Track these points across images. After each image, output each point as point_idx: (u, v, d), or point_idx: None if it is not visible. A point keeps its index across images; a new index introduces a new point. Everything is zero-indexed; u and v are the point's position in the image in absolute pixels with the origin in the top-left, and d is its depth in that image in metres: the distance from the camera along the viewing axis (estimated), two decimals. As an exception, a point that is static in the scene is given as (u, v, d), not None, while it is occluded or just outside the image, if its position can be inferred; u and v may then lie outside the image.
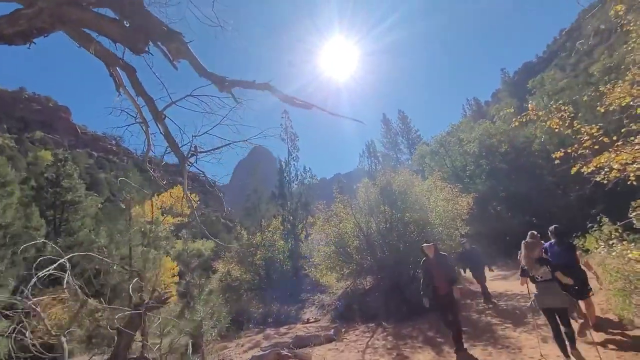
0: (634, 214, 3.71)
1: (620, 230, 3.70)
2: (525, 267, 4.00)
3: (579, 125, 4.44)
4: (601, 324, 4.38)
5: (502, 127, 18.22)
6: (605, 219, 3.98)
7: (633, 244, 3.43)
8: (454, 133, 21.28)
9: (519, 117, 4.86)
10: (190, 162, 5.44)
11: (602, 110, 4.44)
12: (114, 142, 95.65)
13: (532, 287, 4.05)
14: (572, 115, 4.48)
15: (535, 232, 5.76)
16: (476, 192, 17.43)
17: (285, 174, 17.40)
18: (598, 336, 4.06)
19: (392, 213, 10.35)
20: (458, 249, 9.92)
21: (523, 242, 4.15)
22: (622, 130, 4.24)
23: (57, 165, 22.84)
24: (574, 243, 4.86)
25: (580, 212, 14.38)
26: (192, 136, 5.74)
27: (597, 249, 3.84)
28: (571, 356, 3.52)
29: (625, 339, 3.77)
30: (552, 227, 4.92)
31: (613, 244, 3.55)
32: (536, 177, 16.61)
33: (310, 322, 9.26)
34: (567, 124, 4.43)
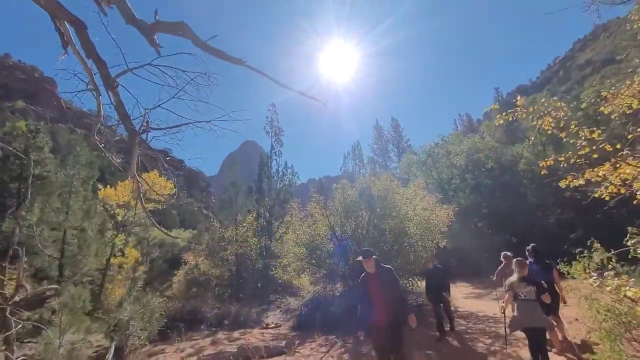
0: (632, 241, 3.21)
1: (614, 260, 3.19)
2: (512, 284, 3.94)
3: (577, 128, 3.90)
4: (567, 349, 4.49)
5: (490, 143, 18.01)
6: (597, 244, 3.47)
7: (633, 280, 2.90)
8: (443, 145, 21.00)
9: (504, 113, 4.30)
10: (141, 138, 4.90)
11: (606, 112, 3.90)
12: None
13: (510, 309, 4.11)
14: (568, 117, 3.95)
15: (509, 253, 5.90)
16: (459, 206, 17.11)
17: (265, 169, 16.64)
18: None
19: (370, 218, 9.78)
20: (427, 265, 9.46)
21: (515, 259, 4.12)
22: (629, 137, 3.71)
23: (27, 136, 21.42)
24: (550, 263, 4.87)
25: (560, 236, 14.18)
26: (145, 110, 5.05)
27: (586, 278, 3.31)
28: None
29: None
30: (529, 247, 5.06)
31: (607, 275, 3.03)
32: (519, 196, 16.41)
33: (269, 328, 8.56)
34: (561, 125, 3.90)
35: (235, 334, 7.78)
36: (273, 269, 11.32)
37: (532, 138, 18.21)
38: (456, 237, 15.94)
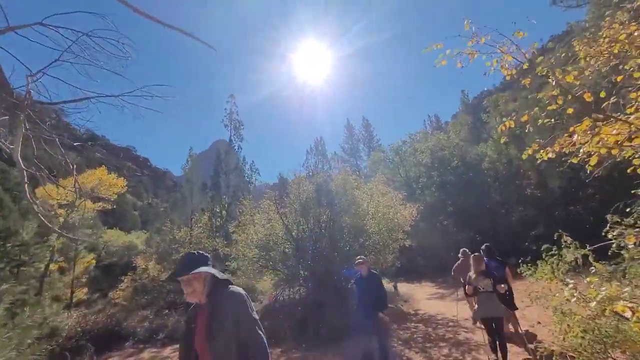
0: (612, 232, 2.63)
1: (593, 258, 2.59)
2: (471, 278, 4.21)
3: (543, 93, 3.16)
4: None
5: (454, 141, 17.97)
6: (568, 238, 2.86)
7: (627, 290, 2.25)
8: (411, 143, 20.80)
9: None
10: (27, 112, 4.01)
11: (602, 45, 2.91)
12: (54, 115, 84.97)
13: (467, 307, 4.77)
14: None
15: (467, 250, 6.36)
16: (425, 204, 16.85)
17: (222, 164, 15.38)
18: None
19: (328, 215, 9.01)
20: (359, 268, 8.81)
21: (472, 255, 4.43)
22: (617, 79, 3.01)
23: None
24: (503, 260, 5.28)
25: (522, 234, 14.24)
26: (27, 77, 4.04)
27: (555, 283, 2.67)
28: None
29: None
30: (484, 246, 5.39)
31: (590, 281, 2.38)
32: (484, 194, 16.42)
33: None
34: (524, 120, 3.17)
35: (167, 351, 6.67)
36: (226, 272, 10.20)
37: (495, 137, 18.44)
38: (422, 235, 15.65)
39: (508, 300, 4.65)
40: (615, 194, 13.60)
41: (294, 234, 9.16)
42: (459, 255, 6.55)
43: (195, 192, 15.29)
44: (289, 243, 9.29)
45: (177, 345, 7.21)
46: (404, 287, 12.93)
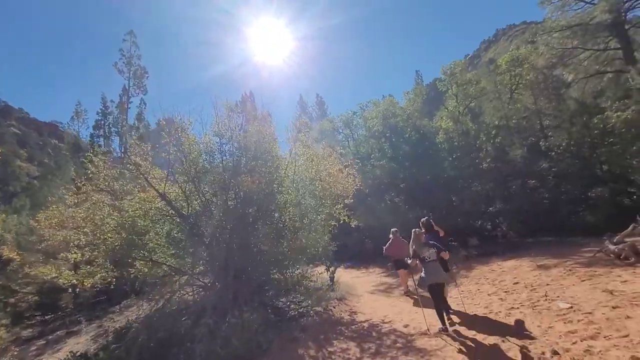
0: None
1: None
2: (416, 251, 4.50)
3: None
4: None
5: (407, 108, 16.03)
6: None
7: None
8: (361, 113, 18.48)
9: None
10: None
11: None
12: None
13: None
14: None
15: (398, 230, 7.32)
16: (374, 178, 14.72)
17: (108, 118, 11.44)
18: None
19: (227, 180, 6.11)
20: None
21: (413, 230, 4.93)
22: None
23: None
24: (438, 231, 5.76)
25: (477, 211, 12.78)
26: None
27: None
28: (447, 324, 4.17)
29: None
30: (424, 219, 6.11)
31: None
32: (438, 169, 14.69)
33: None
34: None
35: None
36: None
37: (451, 108, 16.84)
38: (370, 214, 13.53)
39: (445, 266, 4.90)
40: (572, 169, 12.72)
41: (182, 207, 6.15)
42: (390, 235, 7.16)
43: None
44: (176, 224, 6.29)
45: None
46: (346, 275, 10.68)
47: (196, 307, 5.78)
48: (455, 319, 4.30)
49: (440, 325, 4.19)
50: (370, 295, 7.17)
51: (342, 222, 8.08)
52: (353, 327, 4.90)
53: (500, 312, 4.23)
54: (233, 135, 6.33)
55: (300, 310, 5.72)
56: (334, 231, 8.61)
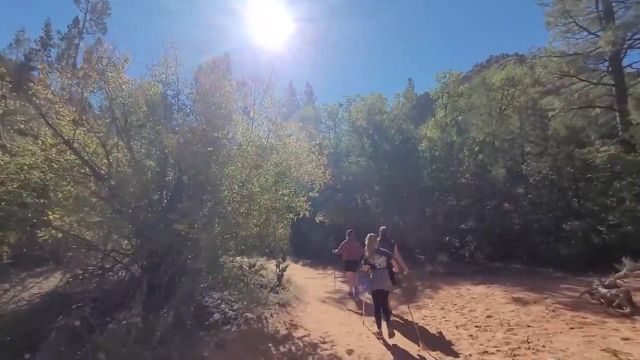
0: None
1: None
2: (367, 256, 4.50)
3: None
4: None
5: (395, 109, 15.22)
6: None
7: None
8: (347, 106, 17.46)
9: None
10: None
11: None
12: None
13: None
14: None
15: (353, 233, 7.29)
16: (349, 175, 13.79)
17: (49, 51, 9.54)
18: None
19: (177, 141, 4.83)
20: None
21: (368, 235, 4.71)
22: None
23: None
24: (393, 242, 5.63)
25: (448, 226, 12.19)
26: None
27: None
28: (385, 330, 4.18)
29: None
30: (380, 229, 5.81)
31: None
32: (417, 177, 13.97)
33: None
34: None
35: None
36: None
37: (438, 117, 16.21)
38: (339, 212, 12.60)
39: (392, 276, 4.79)
40: (549, 198, 12.44)
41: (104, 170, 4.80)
42: (346, 235, 7.25)
43: None
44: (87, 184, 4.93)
45: None
46: (301, 274, 9.67)
47: (82, 297, 4.48)
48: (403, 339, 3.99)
49: (377, 329, 4.32)
50: (320, 305, 6.18)
51: (302, 215, 6.99)
52: (286, 346, 3.85)
53: (470, 355, 3.35)
54: (181, 84, 5.04)
55: (229, 313, 4.58)
56: (295, 224, 7.66)
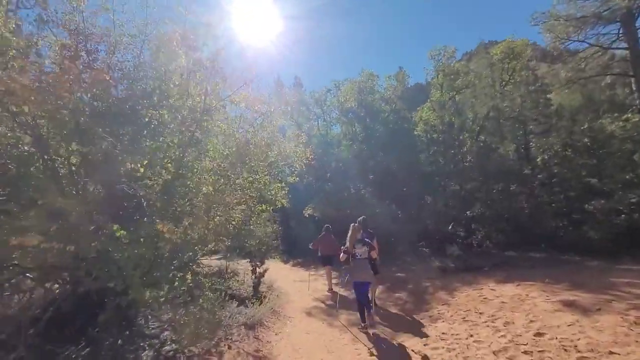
0: None
1: None
2: (349, 246, 4.41)
3: None
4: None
5: (388, 89, 13.88)
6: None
7: None
8: (335, 92, 16.07)
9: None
10: None
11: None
12: None
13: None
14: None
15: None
16: (339, 161, 12.45)
17: None
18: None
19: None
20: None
21: (351, 225, 4.67)
22: None
23: None
24: (373, 232, 5.44)
25: (452, 213, 10.93)
26: None
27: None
28: (367, 320, 4.21)
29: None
30: (360, 218, 5.39)
31: None
32: (414, 162, 12.68)
33: None
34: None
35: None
36: None
37: (434, 98, 14.89)
38: (330, 203, 11.26)
39: (373, 266, 4.77)
40: (563, 180, 11.20)
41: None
42: (322, 230, 7.06)
43: None
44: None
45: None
46: (289, 277, 8.31)
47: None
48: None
49: (362, 323, 4.27)
50: (304, 319, 4.83)
51: (280, 206, 5.64)
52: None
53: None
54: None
55: (169, 351, 3.18)
56: (284, 221, 6.36)
